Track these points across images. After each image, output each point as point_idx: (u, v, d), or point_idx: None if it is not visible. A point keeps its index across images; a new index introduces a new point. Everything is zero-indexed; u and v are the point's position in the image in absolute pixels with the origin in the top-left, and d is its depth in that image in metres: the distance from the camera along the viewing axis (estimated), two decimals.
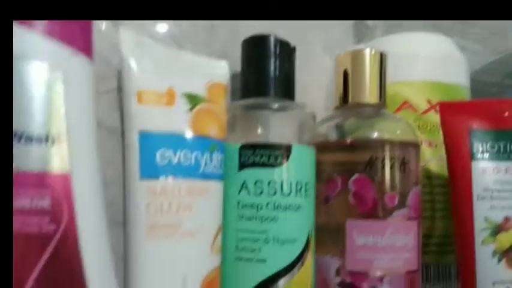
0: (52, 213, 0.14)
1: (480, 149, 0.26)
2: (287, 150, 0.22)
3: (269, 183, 0.22)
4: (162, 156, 0.19)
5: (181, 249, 0.19)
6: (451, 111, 0.27)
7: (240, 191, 0.22)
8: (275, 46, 0.24)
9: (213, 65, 0.22)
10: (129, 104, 0.19)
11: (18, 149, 0.14)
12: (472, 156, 0.26)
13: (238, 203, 0.22)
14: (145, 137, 0.19)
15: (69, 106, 0.15)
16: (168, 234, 0.19)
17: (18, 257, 0.13)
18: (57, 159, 0.14)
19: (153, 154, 0.19)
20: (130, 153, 0.19)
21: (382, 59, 0.26)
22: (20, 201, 0.14)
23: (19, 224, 0.13)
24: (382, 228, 0.24)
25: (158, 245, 0.19)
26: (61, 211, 0.14)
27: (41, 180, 0.14)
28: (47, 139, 0.14)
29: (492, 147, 0.26)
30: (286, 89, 0.24)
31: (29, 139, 0.14)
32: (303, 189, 0.23)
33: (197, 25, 0.26)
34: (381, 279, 0.24)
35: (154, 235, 0.18)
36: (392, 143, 0.25)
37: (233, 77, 0.25)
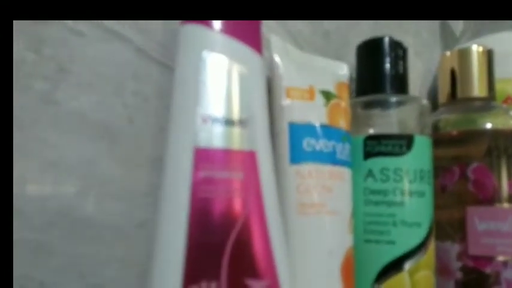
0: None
1: None
2: (409, 140, 0.24)
3: (395, 170, 0.24)
4: (307, 144, 0.22)
5: (326, 225, 0.21)
6: None
7: (366, 178, 0.24)
8: (390, 46, 0.26)
9: (337, 67, 0.25)
10: (280, 98, 0.22)
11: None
12: None
13: (365, 189, 0.24)
14: (294, 127, 0.22)
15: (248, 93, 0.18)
16: (315, 212, 0.21)
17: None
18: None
19: (300, 142, 0.22)
20: (281, 141, 0.22)
21: (489, 55, 0.28)
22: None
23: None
24: (504, 214, 0.25)
25: (308, 221, 0.21)
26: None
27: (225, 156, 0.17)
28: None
29: None
30: (401, 85, 0.27)
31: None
32: (425, 177, 0.25)
33: (315, 32, 0.29)
34: (504, 263, 0.24)
35: (304, 212, 0.21)
36: (507, 132, 0.26)
37: None
